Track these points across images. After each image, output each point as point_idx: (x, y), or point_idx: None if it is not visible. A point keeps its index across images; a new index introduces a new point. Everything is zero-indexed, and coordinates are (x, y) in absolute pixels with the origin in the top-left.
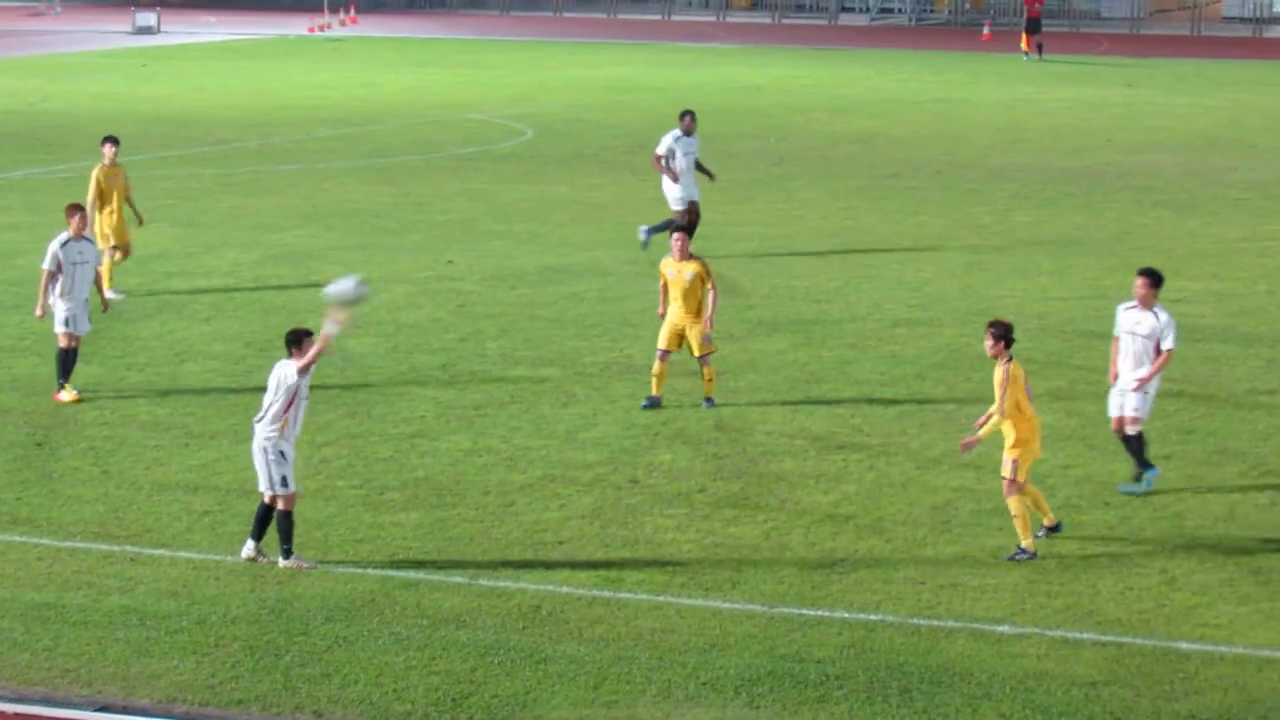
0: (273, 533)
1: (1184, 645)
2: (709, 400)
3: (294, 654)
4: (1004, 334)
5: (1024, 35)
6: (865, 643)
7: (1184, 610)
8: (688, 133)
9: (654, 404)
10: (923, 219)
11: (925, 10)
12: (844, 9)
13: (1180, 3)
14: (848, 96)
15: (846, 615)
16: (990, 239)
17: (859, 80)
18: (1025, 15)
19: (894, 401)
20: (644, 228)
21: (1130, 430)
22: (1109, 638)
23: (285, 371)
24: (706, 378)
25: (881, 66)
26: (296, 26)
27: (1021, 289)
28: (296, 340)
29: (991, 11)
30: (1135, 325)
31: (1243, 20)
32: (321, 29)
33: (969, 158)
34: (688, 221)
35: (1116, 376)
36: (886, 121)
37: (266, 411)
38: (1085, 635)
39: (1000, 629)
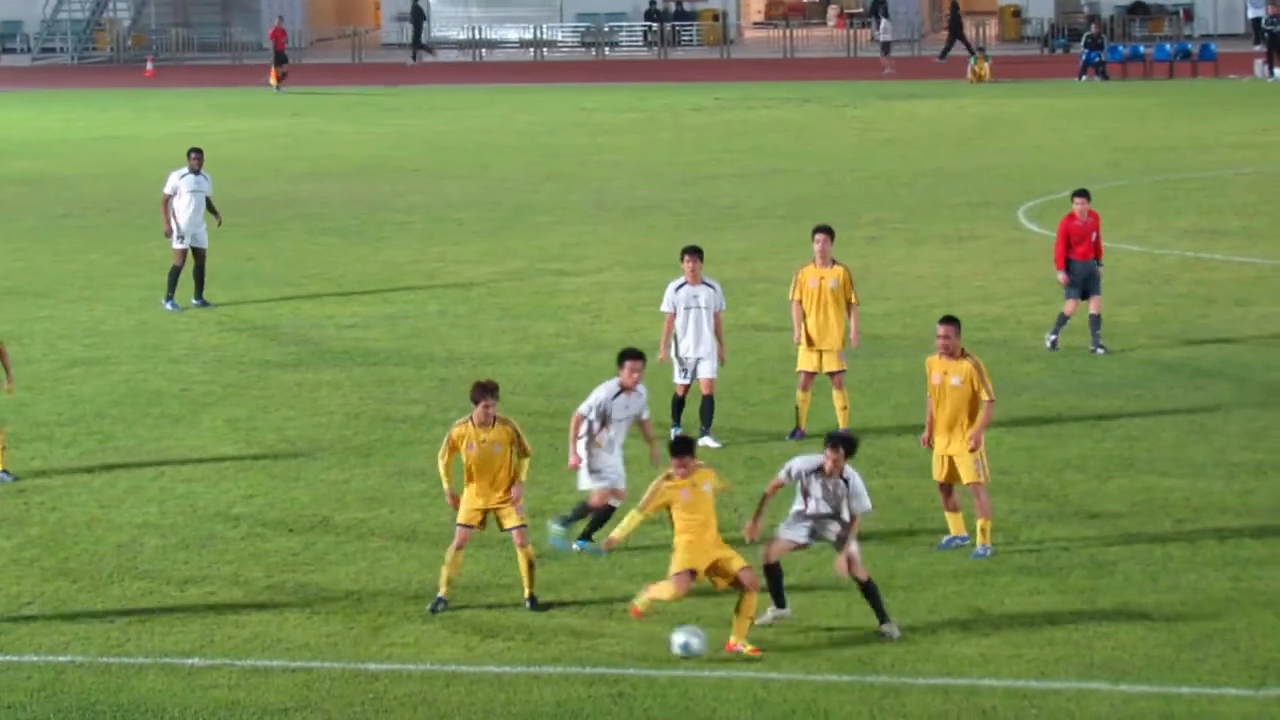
0: None
1: (372, 666)
2: None
3: None
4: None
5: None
6: (55, 685)
7: (371, 632)
8: (195, 171)
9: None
10: (94, 257)
11: (88, 48)
12: (5, 49)
13: (339, 31)
14: (11, 139)
15: (35, 658)
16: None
17: (23, 121)
18: (274, 47)
19: (73, 442)
20: None
21: None
22: (298, 664)
23: None
24: None
25: (46, 106)
26: None
27: (195, 321)
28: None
29: (154, 48)
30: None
31: (402, 46)
32: None
33: (140, 194)
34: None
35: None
36: (53, 161)
37: None
38: (275, 663)
39: (190, 662)
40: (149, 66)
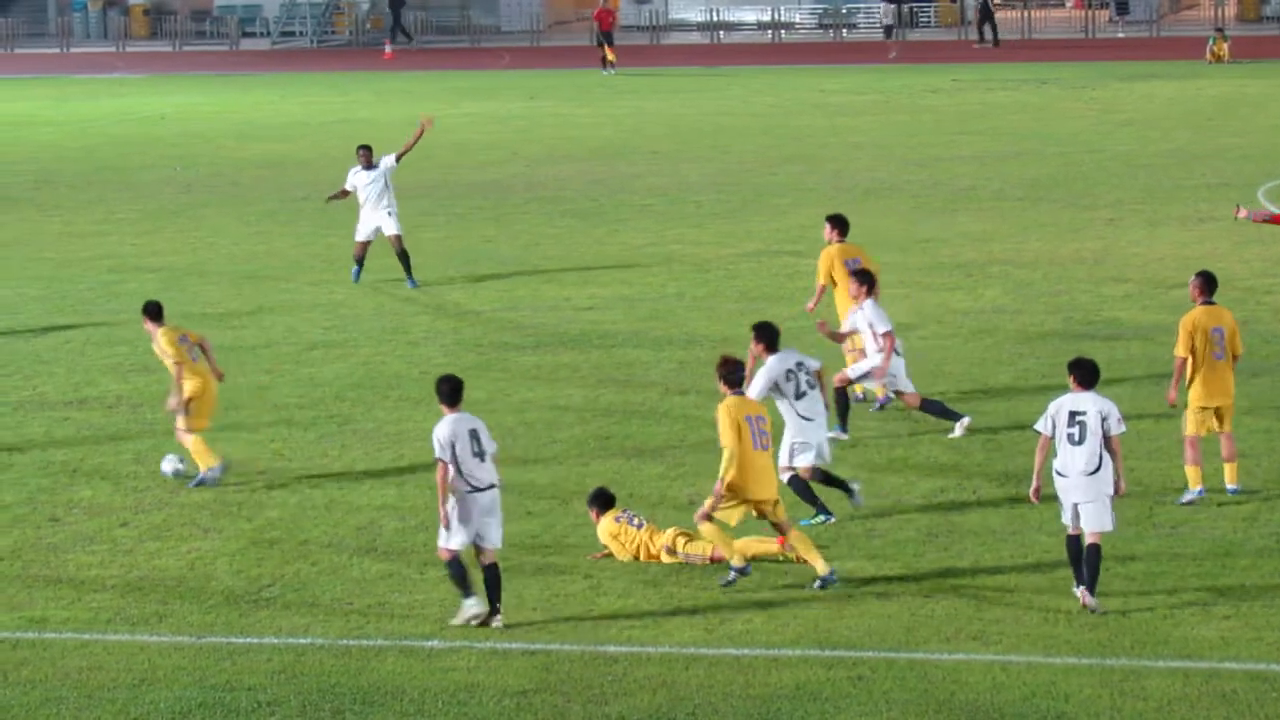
0: None
1: (611, 648)
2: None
3: None
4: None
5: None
6: (295, 667)
7: (609, 615)
8: (366, 166)
9: None
10: (333, 240)
11: (326, 32)
12: (245, 34)
13: (578, 14)
14: (252, 122)
15: (275, 641)
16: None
17: (263, 105)
18: (600, 28)
19: (313, 424)
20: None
21: None
22: (538, 646)
23: None
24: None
25: (285, 90)
26: None
27: (434, 304)
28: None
29: (389, 30)
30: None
31: (640, 29)
32: None
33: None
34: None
35: None
36: (293, 145)
37: None
38: (514, 645)
39: (429, 644)
40: (387, 50)
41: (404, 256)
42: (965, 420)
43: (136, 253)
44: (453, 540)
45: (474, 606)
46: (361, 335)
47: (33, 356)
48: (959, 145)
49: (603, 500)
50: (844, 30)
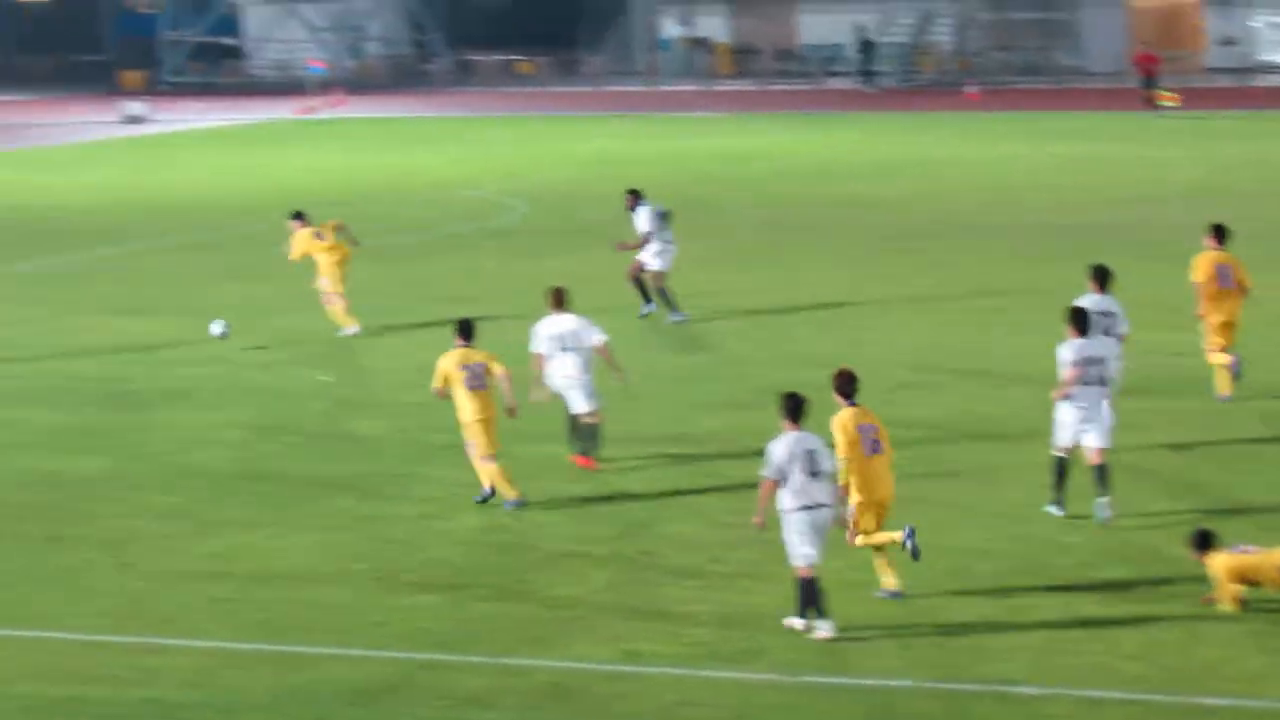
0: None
1: (1210, 700)
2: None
3: None
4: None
5: (1155, 91)
6: (889, 709)
7: (1209, 665)
8: (630, 208)
9: None
10: (921, 281)
11: (910, 71)
12: (829, 73)
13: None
14: (839, 161)
15: (870, 682)
16: (987, 296)
17: (847, 144)
18: (1143, 73)
19: (898, 465)
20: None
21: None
22: (1136, 695)
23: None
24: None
25: (869, 129)
26: (283, 110)
27: (1026, 344)
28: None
29: (976, 71)
30: None
31: (1226, 71)
32: (309, 111)
33: (960, 217)
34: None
35: None
36: (877, 184)
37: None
38: (1111, 694)
39: (1025, 690)
40: (970, 90)
41: None
42: None
43: (725, 290)
44: (797, 558)
45: (825, 628)
46: (948, 376)
47: (621, 392)
48: None
49: (1204, 540)
50: None
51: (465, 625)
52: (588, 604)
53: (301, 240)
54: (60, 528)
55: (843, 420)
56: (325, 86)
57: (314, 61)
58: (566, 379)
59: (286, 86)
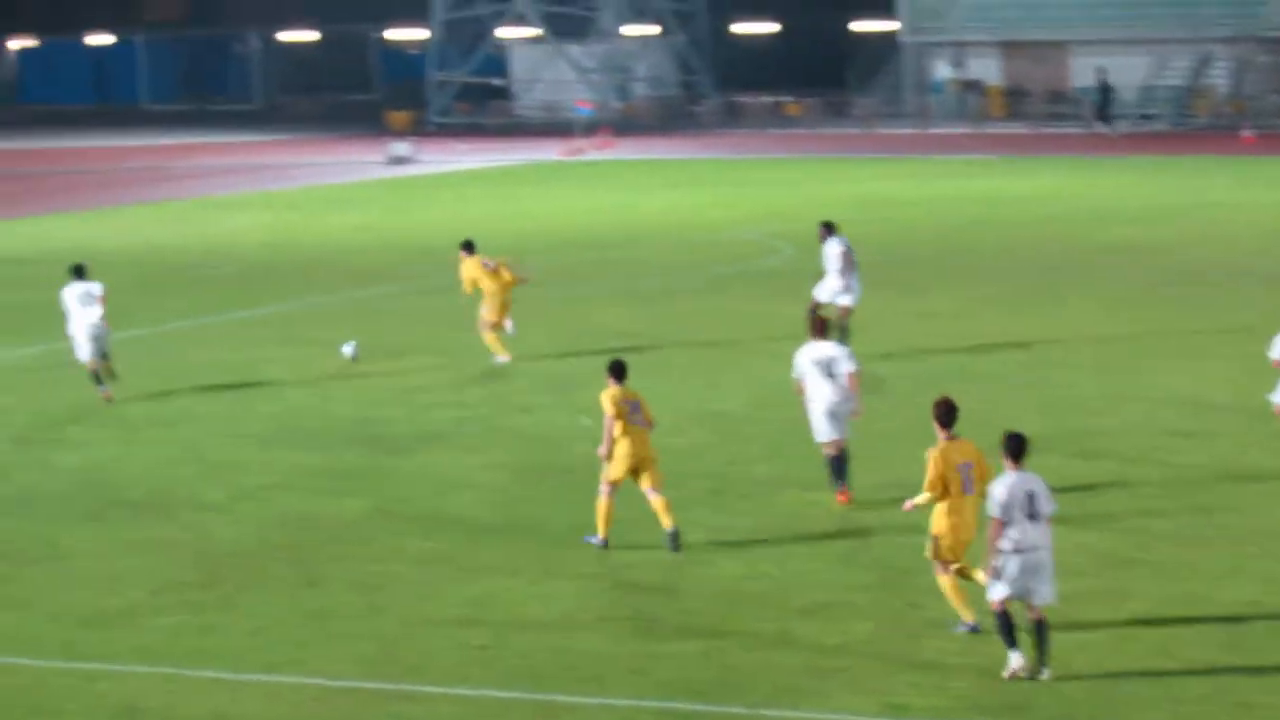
0: None
1: None
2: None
3: None
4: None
5: None
6: None
7: None
8: (822, 240)
9: None
10: (1194, 327)
11: (1185, 115)
12: (1100, 118)
13: None
14: (1110, 205)
15: None
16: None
17: (1121, 187)
18: None
19: (1172, 514)
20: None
21: None
22: None
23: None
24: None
25: (1143, 173)
26: (549, 152)
27: None
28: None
29: (1252, 114)
30: None
31: None
32: (576, 153)
33: (1236, 262)
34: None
35: None
36: (1151, 228)
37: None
38: None
39: None
40: (1246, 133)
41: None
42: None
43: (999, 332)
44: (995, 592)
45: (1015, 660)
46: (1220, 425)
47: (889, 438)
48: None
49: None
50: None
51: (725, 674)
52: (850, 653)
53: (470, 269)
54: (315, 570)
55: (942, 452)
56: (592, 128)
57: (582, 103)
58: (821, 404)
59: (553, 127)
